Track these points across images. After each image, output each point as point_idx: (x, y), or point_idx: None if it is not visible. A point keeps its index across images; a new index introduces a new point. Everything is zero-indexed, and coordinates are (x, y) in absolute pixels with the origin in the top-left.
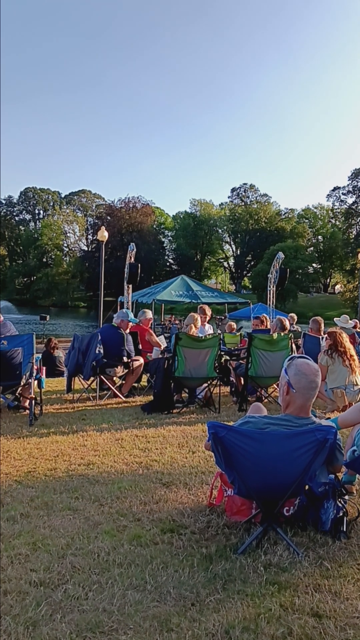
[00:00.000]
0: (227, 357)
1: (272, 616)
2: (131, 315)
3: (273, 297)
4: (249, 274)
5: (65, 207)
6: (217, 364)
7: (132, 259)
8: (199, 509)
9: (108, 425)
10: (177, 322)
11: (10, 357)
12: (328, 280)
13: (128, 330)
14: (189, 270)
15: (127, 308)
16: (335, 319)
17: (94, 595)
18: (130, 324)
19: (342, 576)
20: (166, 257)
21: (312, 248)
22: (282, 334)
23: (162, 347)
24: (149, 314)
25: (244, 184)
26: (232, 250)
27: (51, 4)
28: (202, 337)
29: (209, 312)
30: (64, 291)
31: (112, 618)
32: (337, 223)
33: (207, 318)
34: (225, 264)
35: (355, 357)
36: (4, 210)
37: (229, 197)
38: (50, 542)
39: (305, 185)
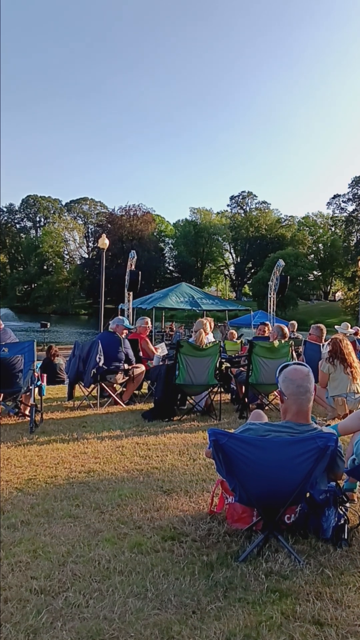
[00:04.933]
0: (228, 365)
1: (273, 624)
2: (126, 322)
3: (273, 304)
4: (250, 282)
5: (66, 214)
6: (217, 372)
7: (133, 267)
8: (200, 517)
9: (109, 433)
10: (181, 329)
11: (11, 365)
12: (328, 287)
13: (124, 335)
14: (190, 277)
15: (128, 315)
16: (336, 326)
17: (94, 603)
18: (126, 330)
19: (343, 584)
20: (167, 265)
21: (312, 255)
22: (283, 341)
23: (163, 355)
24: (147, 321)
25: (243, 191)
26: (233, 257)
27: (54, 12)
28: (202, 345)
29: (211, 323)
30: (64, 298)
31: (113, 626)
32: (338, 231)
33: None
34: (226, 271)
35: (357, 365)
36: (5, 218)
37: (228, 204)
38: (51, 550)
39: (305, 193)
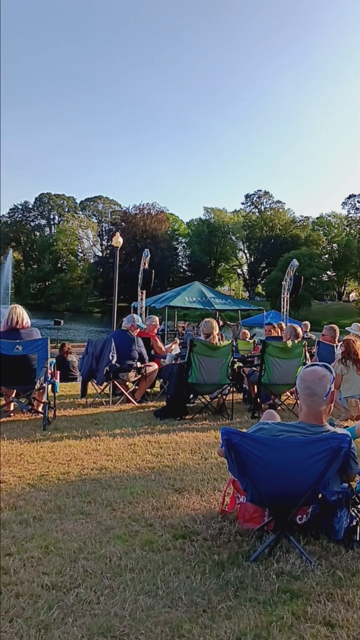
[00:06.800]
0: (241, 364)
1: (284, 624)
2: (139, 320)
3: (287, 304)
4: (263, 281)
5: (80, 212)
6: (230, 371)
7: (146, 265)
8: (211, 516)
9: (121, 430)
10: (190, 328)
11: (25, 361)
12: (343, 288)
13: (136, 333)
14: (203, 276)
15: (141, 314)
16: (347, 327)
17: (105, 600)
18: (138, 328)
19: (355, 585)
20: (180, 264)
21: (326, 256)
22: (296, 341)
23: (176, 353)
24: (155, 320)
25: (258, 190)
26: (246, 257)
27: (64, 9)
28: (216, 344)
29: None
30: (77, 296)
31: (123, 623)
32: (352, 231)
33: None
34: (239, 270)
35: None
36: (20, 216)
37: (242, 203)
38: (63, 546)
39: (320, 193)
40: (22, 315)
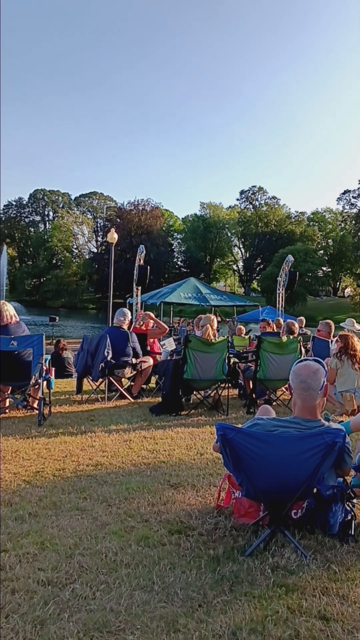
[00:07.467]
0: (236, 360)
1: (279, 618)
2: (129, 314)
3: (282, 300)
4: (258, 277)
5: (75, 208)
6: (226, 367)
7: (142, 261)
8: (207, 511)
9: (116, 427)
10: (185, 324)
11: (20, 358)
12: (338, 283)
13: (126, 326)
14: (198, 272)
15: (137, 310)
16: (341, 323)
17: (101, 595)
18: (131, 324)
19: (349, 579)
20: (175, 260)
21: (322, 251)
22: (291, 337)
23: (171, 349)
24: (150, 315)
25: (253, 186)
26: (242, 253)
27: (61, 5)
28: (209, 338)
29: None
30: (73, 293)
31: (119, 618)
32: (347, 227)
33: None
34: (235, 266)
35: None
36: (14, 212)
37: (237, 199)
38: (58, 542)
39: (315, 189)
40: (11, 311)
